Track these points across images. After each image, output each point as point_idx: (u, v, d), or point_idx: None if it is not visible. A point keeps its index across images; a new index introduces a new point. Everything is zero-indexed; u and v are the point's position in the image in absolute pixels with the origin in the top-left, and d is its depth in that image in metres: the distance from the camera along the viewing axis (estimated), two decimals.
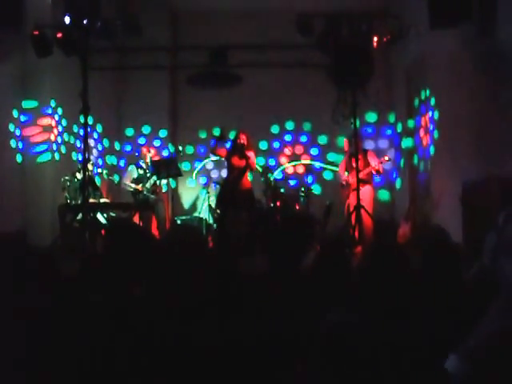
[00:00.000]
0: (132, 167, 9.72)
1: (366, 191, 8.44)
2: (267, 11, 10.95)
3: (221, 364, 2.32)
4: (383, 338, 2.36)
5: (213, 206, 10.25)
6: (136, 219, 8.81)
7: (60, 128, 8.99)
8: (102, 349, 2.40)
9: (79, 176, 8.57)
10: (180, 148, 9.96)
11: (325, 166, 9.88)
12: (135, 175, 9.60)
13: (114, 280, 2.89)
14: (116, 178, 10.13)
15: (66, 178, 8.56)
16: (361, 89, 7.65)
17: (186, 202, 11.69)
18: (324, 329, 2.27)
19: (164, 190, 10.41)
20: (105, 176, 9.55)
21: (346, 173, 8.76)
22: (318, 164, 9.91)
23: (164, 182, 9.91)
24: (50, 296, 2.70)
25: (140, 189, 9.43)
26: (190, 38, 11.06)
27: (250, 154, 8.40)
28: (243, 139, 8.40)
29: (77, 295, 2.89)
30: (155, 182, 9.54)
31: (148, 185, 9.45)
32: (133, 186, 9.51)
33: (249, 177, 8.59)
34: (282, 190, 9.60)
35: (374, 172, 8.60)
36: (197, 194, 11.53)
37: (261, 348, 2.42)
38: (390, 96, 11.27)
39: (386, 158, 8.82)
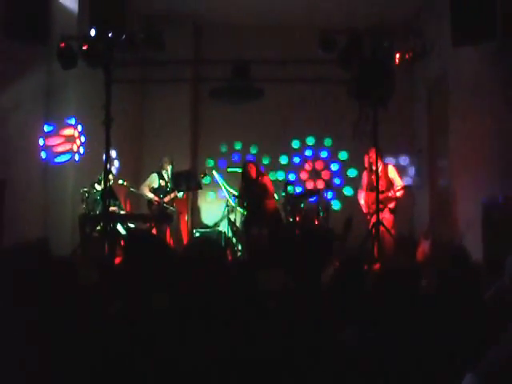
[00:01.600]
0: (154, 175, 9.70)
1: (386, 210, 8.42)
2: (290, 26, 11.01)
3: (238, 375, 2.32)
4: (399, 355, 2.35)
5: (232, 219, 10.28)
6: (153, 231, 8.85)
7: (83, 138, 9.08)
8: (119, 360, 2.42)
9: (98, 187, 8.64)
10: (207, 172, 10.13)
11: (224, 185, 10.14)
12: (156, 185, 9.62)
13: (133, 291, 2.91)
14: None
15: (85, 189, 8.63)
16: (382, 105, 7.65)
17: (206, 215, 11.72)
18: (339, 344, 2.27)
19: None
20: (123, 185, 9.50)
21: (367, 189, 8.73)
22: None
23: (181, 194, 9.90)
24: (69, 305, 2.73)
25: (157, 200, 9.44)
26: (212, 52, 11.14)
27: (266, 179, 8.67)
28: (253, 169, 8.66)
29: (95, 305, 2.92)
30: (176, 196, 9.57)
31: (168, 198, 9.46)
32: (150, 195, 9.52)
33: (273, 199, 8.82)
34: (301, 205, 9.59)
35: (392, 196, 8.55)
36: (216, 207, 11.56)
37: (276, 361, 2.42)
38: (411, 112, 11.26)
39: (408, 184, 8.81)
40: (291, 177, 11.47)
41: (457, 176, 8.70)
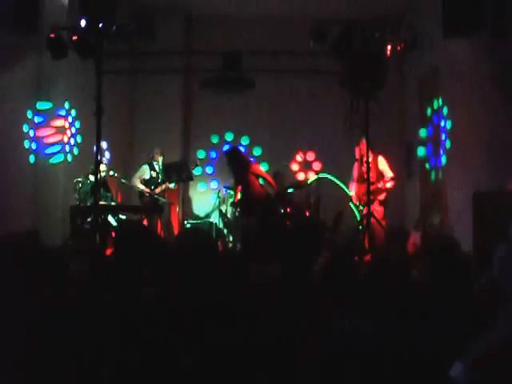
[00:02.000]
0: (145, 167, 9.70)
1: (376, 202, 8.45)
2: (281, 17, 10.98)
3: (231, 366, 2.33)
4: (389, 344, 2.37)
5: (223, 210, 10.29)
6: (145, 222, 8.85)
7: (73, 130, 9.05)
8: (112, 351, 2.42)
9: (92, 178, 8.62)
10: (198, 162, 9.99)
11: (338, 182, 9.92)
12: (147, 176, 9.61)
13: (124, 282, 2.91)
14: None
15: (79, 179, 8.61)
16: (373, 97, 7.66)
17: (197, 206, 11.72)
18: (333, 333, 2.29)
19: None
20: (114, 176, 9.47)
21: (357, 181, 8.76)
22: (331, 178, 9.97)
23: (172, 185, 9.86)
24: (60, 296, 2.73)
25: (148, 192, 9.44)
26: (203, 43, 11.10)
27: (257, 168, 8.65)
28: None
29: (87, 296, 2.92)
30: (167, 187, 9.55)
31: (159, 190, 9.46)
32: (141, 187, 9.52)
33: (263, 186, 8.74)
34: (291, 197, 9.61)
35: (382, 188, 8.57)
36: (207, 198, 11.56)
37: (269, 351, 2.44)
38: (402, 104, 11.28)
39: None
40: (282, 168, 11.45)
41: (448, 167, 8.73)
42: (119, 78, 10.21)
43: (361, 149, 8.42)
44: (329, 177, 9.97)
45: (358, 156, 8.76)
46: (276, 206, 8.81)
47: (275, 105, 11.34)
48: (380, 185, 8.47)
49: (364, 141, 8.01)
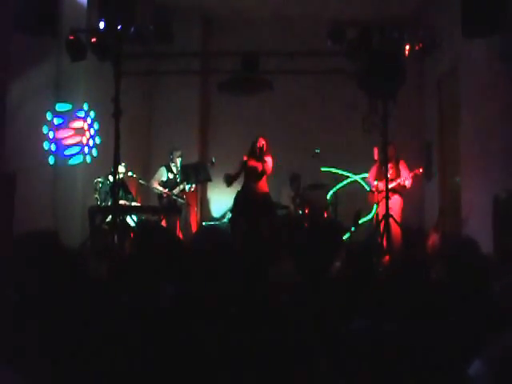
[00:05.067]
0: (162, 169, 9.74)
1: (395, 200, 8.40)
2: (298, 18, 10.96)
3: (245, 367, 2.33)
4: (407, 346, 2.35)
5: None
6: (163, 223, 8.87)
7: (92, 131, 9.10)
8: (131, 350, 2.42)
9: (112, 178, 8.66)
10: (213, 160, 9.85)
11: (353, 176, 9.86)
12: (164, 178, 9.65)
13: (143, 282, 2.92)
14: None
15: (99, 179, 8.67)
16: (392, 98, 7.62)
17: (215, 207, 11.72)
18: (351, 335, 2.27)
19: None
20: (132, 177, 9.49)
21: (376, 181, 8.72)
22: (345, 174, 9.90)
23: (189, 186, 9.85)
24: (79, 297, 2.73)
25: (166, 193, 9.47)
26: (221, 44, 11.11)
27: (268, 159, 8.49)
28: (262, 143, 8.49)
29: (105, 296, 2.93)
30: (184, 187, 9.56)
31: (176, 190, 9.47)
32: (160, 188, 9.56)
33: (266, 182, 8.64)
34: (310, 198, 9.59)
35: (401, 184, 8.54)
36: (226, 198, 11.55)
37: (284, 353, 2.42)
38: (421, 105, 11.21)
39: (421, 170, 8.73)
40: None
41: (467, 168, 8.66)
42: (137, 80, 10.25)
43: (381, 152, 8.38)
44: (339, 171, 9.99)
45: (376, 157, 8.73)
46: (271, 206, 8.75)
47: (293, 106, 11.31)
48: (399, 180, 8.46)
49: (390, 145, 7.96)
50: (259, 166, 8.47)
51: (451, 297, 2.89)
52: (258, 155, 8.49)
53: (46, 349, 2.37)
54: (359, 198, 9.83)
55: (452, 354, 2.37)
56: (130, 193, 9.29)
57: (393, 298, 2.84)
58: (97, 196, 8.66)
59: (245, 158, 8.57)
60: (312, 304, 3.05)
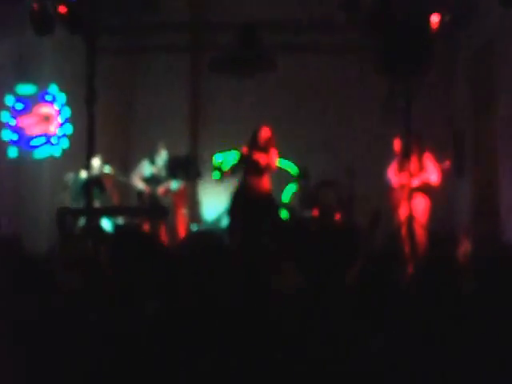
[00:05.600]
0: (145, 163, 9.71)
1: (419, 200, 8.40)
2: None
3: None
4: (433, 367, 2.35)
5: None
6: (145, 227, 8.87)
7: (62, 118, 9.08)
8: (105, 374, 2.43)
9: (84, 175, 8.65)
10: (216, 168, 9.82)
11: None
12: (147, 174, 9.63)
13: (120, 297, 2.91)
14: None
15: (69, 177, 8.65)
16: (416, 79, 7.61)
17: (207, 210, 11.71)
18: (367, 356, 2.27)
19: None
20: (109, 173, 9.47)
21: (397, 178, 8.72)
22: None
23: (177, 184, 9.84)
24: (44, 312, 2.73)
25: (148, 191, 9.45)
26: (215, 15, 11.10)
27: (273, 151, 8.49)
28: (267, 134, 8.47)
29: (76, 313, 2.93)
30: (170, 185, 9.55)
31: (162, 189, 9.46)
32: (141, 185, 9.54)
33: (268, 179, 8.62)
34: (319, 197, 9.60)
35: (427, 181, 8.53)
36: (221, 199, 11.54)
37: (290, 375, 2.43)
38: (451, 86, 11.20)
39: (448, 164, 8.73)
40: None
41: (504, 163, 8.65)
42: (116, 58, 10.25)
43: (402, 140, 8.38)
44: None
45: (397, 148, 8.72)
46: (275, 207, 8.74)
47: (299, 89, 11.30)
48: (424, 177, 8.45)
49: (415, 136, 7.96)
50: (263, 159, 8.45)
51: (484, 313, 2.89)
52: (262, 147, 8.47)
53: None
54: (378, 197, 9.83)
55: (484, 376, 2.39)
56: (105, 191, 9.27)
57: (417, 314, 2.84)
58: (67, 195, 8.64)
59: (244, 150, 8.55)
60: (322, 322, 3.05)
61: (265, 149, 8.47)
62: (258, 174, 8.50)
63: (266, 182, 8.57)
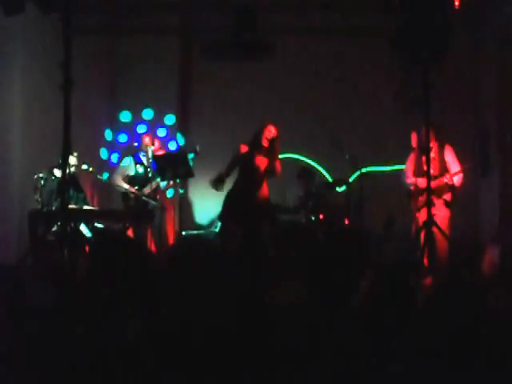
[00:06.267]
0: (129, 161, 9.72)
1: (440, 203, 8.40)
2: None
3: None
4: None
5: None
6: (130, 232, 8.87)
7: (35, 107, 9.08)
8: None
9: (58, 173, 8.63)
10: (197, 148, 9.65)
11: (383, 168, 9.88)
12: (131, 172, 9.63)
13: (100, 312, 2.91)
14: (105, 176, 10.19)
15: (41, 175, 8.62)
16: (435, 65, 7.61)
17: (199, 213, 11.72)
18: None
19: (168, 195, 10.47)
20: (87, 171, 9.44)
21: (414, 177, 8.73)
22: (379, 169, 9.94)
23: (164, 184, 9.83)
24: (15, 329, 2.73)
25: (134, 192, 9.44)
26: None
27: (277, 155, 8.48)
28: (273, 133, 8.41)
29: (50, 329, 2.93)
30: (157, 185, 9.55)
31: (148, 190, 9.45)
32: (126, 186, 9.53)
33: (266, 184, 8.61)
34: (326, 199, 9.61)
35: (447, 183, 8.53)
36: (214, 201, 11.54)
37: None
38: (475, 74, 11.20)
39: (467, 165, 8.72)
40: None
41: None
42: (95, 40, 10.24)
43: (421, 135, 8.37)
44: (376, 169, 9.97)
45: (414, 144, 8.72)
46: (273, 214, 8.73)
47: (303, 76, 11.30)
48: (446, 179, 8.42)
49: (435, 129, 7.96)
50: (266, 163, 8.43)
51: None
52: (268, 149, 8.43)
53: None
54: (393, 198, 9.84)
55: None
56: (82, 192, 9.25)
57: (437, 333, 2.84)
58: (38, 198, 8.62)
59: (243, 150, 8.51)
60: (329, 341, 3.06)
61: (269, 151, 8.43)
62: (257, 180, 8.46)
63: (264, 189, 8.54)
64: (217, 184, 8.53)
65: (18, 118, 8.80)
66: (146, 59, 11.11)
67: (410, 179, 8.75)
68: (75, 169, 8.90)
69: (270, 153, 8.39)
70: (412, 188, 8.71)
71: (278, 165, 8.42)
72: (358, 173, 10.08)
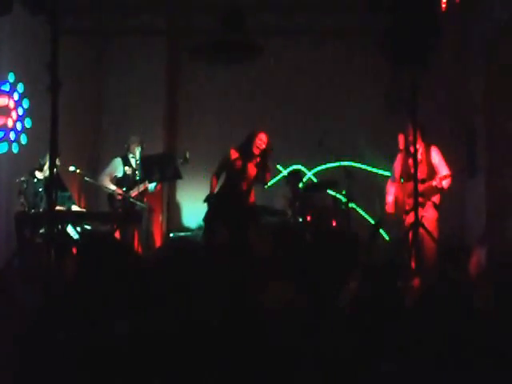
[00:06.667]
0: (117, 161, 9.71)
1: (429, 205, 8.43)
2: None
3: None
4: None
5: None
6: (117, 234, 8.86)
7: (20, 111, 9.06)
8: None
9: (39, 175, 8.61)
10: (187, 155, 9.57)
11: (371, 169, 9.91)
12: (119, 173, 9.61)
13: (88, 315, 2.91)
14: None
15: (22, 178, 8.57)
16: (423, 65, 7.63)
17: (187, 215, 11.70)
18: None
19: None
20: (75, 172, 9.39)
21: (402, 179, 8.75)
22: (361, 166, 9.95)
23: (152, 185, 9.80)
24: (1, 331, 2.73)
25: (122, 194, 9.42)
26: None
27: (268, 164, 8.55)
28: (264, 142, 8.45)
29: (38, 333, 2.92)
30: (145, 186, 9.53)
31: (135, 191, 9.42)
32: (112, 188, 9.51)
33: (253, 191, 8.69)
34: (313, 201, 9.61)
35: (436, 187, 8.54)
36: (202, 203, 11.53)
37: None
38: (462, 75, 11.23)
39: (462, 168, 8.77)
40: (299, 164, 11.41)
41: None
42: (83, 42, 10.23)
43: (406, 136, 8.39)
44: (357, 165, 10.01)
45: (401, 146, 8.74)
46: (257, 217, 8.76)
47: (291, 78, 11.31)
48: (434, 183, 8.44)
49: (411, 125, 7.97)
50: (256, 172, 8.47)
51: (500, 333, 2.91)
52: (260, 159, 8.46)
53: None
54: (380, 200, 9.86)
55: None
56: (67, 190, 9.21)
57: (424, 333, 2.85)
58: (23, 200, 8.58)
59: (233, 155, 8.53)
60: (317, 342, 3.06)
61: (263, 162, 8.47)
62: (246, 187, 8.49)
63: (252, 196, 8.59)
64: (209, 201, 8.63)
65: None
66: (133, 61, 11.10)
67: (397, 181, 8.78)
68: (57, 168, 8.86)
69: (262, 163, 8.43)
70: (396, 194, 8.74)
71: (268, 176, 8.47)
72: (336, 164, 10.12)
